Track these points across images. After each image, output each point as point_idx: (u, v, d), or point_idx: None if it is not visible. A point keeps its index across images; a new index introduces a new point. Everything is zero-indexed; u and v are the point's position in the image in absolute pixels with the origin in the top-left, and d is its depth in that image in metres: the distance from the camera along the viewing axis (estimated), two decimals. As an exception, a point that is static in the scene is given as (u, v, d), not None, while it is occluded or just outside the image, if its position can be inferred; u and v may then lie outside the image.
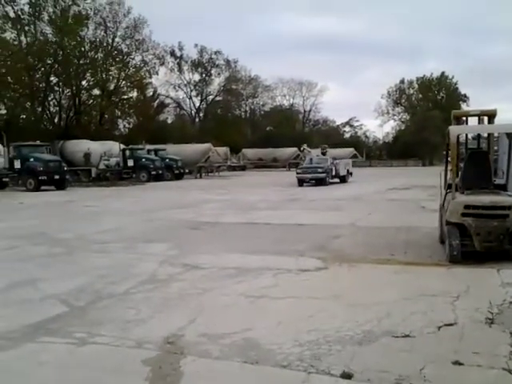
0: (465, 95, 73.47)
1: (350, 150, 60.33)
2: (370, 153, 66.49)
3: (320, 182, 24.69)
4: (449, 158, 7.54)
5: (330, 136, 69.59)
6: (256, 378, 3.38)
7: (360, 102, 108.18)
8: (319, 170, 25.08)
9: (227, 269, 6.57)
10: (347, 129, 78.67)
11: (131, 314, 4.81)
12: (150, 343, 4.00)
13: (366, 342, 3.89)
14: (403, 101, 76.83)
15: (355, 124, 77.61)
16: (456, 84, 73.45)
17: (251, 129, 69.15)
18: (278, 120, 68.02)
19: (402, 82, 76.10)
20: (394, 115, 76.78)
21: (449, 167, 7.52)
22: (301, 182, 25.17)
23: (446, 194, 7.30)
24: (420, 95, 75.86)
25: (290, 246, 8.17)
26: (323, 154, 29.37)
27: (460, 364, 3.44)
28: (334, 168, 26.29)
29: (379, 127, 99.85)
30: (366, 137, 78.15)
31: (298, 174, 25.93)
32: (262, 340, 3.99)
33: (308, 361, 3.55)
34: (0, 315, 4.83)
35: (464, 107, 63.89)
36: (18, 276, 6.41)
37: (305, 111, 76.88)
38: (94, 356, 3.81)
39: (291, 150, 53.48)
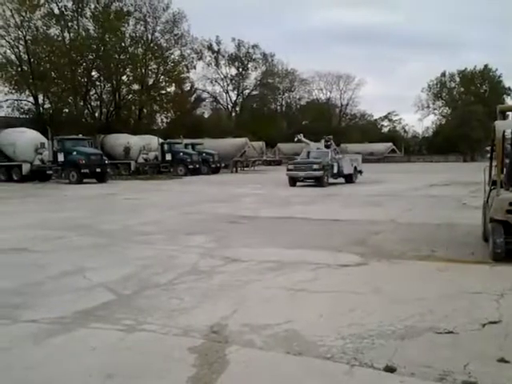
0: (509, 88, 71.08)
1: (388, 145, 59.48)
2: (408, 148, 65.25)
3: (317, 182, 20.76)
4: (494, 154, 7.38)
5: (367, 130, 68.70)
6: (300, 369, 3.45)
7: (399, 96, 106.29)
8: (315, 166, 20.48)
9: (267, 262, 6.65)
10: (385, 123, 77.43)
11: (175, 303, 4.96)
12: (195, 331, 4.13)
13: (409, 337, 3.90)
14: (444, 94, 74.93)
15: (394, 118, 76.28)
16: (500, 77, 71.16)
17: (287, 123, 68.91)
18: (314, 114, 67.51)
19: (443, 74, 74.22)
20: (435, 109, 75.06)
21: (493, 163, 7.35)
22: (293, 182, 21.04)
23: (491, 190, 7.16)
24: (462, 88, 73.81)
25: (328, 240, 8.19)
26: (327, 146, 24.76)
27: (505, 362, 3.42)
28: (336, 164, 21.89)
29: (419, 121, 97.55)
30: (405, 131, 76.72)
31: (288, 170, 21.43)
32: (304, 332, 4.06)
33: (351, 353, 3.60)
34: (53, 302, 5.08)
35: (508, 101, 61.86)
36: (67, 265, 6.69)
37: (342, 105, 76.06)
38: (142, 342, 3.97)
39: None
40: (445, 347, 3.71)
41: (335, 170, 21.88)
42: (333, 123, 70.82)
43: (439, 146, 62.60)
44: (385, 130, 75.90)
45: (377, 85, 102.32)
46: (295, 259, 6.79)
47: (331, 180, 21.88)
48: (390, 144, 59.96)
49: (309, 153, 22.83)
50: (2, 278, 6.09)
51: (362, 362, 3.48)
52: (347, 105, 75.94)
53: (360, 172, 24.34)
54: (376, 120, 77.27)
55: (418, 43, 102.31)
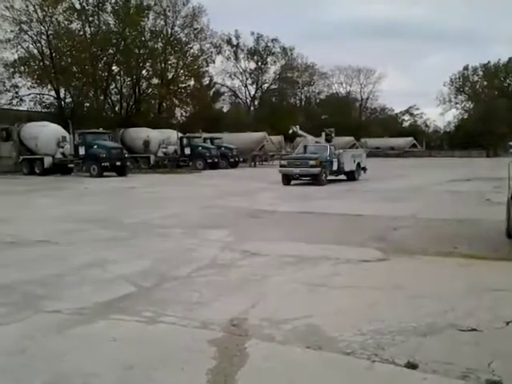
0: (534, 82, 69.44)
1: (409, 140, 58.82)
2: (430, 143, 64.38)
3: (313, 180, 18.75)
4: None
5: (387, 125, 67.99)
6: (320, 363, 3.44)
7: (420, 90, 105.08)
8: (311, 162, 18.33)
9: (286, 257, 6.64)
10: (406, 117, 76.55)
11: (195, 296, 4.98)
12: (215, 324, 4.14)
13: (431, 334, 3.85)
14: (467, 88, 73.64)
15: (415, 112, 75.34)
16: (525, 71, 69.49)
17: (306, 117, 68.54)
18: (333, 108, 67.02)
19: (466, 68, 72.92)
20: (457, 103, 73.83)
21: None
22: (287, 179, 18.98)
23: (515, 186, 7.01)
24: (485, 82, 72.39)
25: (348, 236, 8.14)
26: (327, 140, 22.12)
27: (531, 361, 3.35)
28: (336, 160, 19.75)
29: (440, 116, 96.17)
30: (426, 126, 75.74)
31: (281, 166, 19.29)
32: (324, 327, 4.04)
33: (371, 349, 3.57)
34: (75, 293, 5.15)
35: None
36: (88, 257, 6.78)
37: (362, 99, 75.38)
38: (163, 334, 4.00)
39: (347, 139, 52.70)
40: (468, 345, 3.65)
41: (335, 167, 19.75)
42: (353, 117, 70.22)
43: (461, 140, 61.59)
44: (405, 124, 75.08)
45: (398, 79, 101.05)
46: (315, 254, 6.76)
47: (331, 177, 20.20)
48: (411, 139, 59.27)
49: (306, 147, 20.96)
50: (26, 269, 6.20)
51: (383, 357, 3.44)
52: (367, 99, 75.28)
53: (364, 169, 22.15)
54: (397, 114, 76.43)
55: (440, 36, 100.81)
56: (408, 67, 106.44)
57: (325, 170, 18.68)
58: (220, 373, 3.27)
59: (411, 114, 75.74)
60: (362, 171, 21.93)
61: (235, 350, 3.63)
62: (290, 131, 25.29)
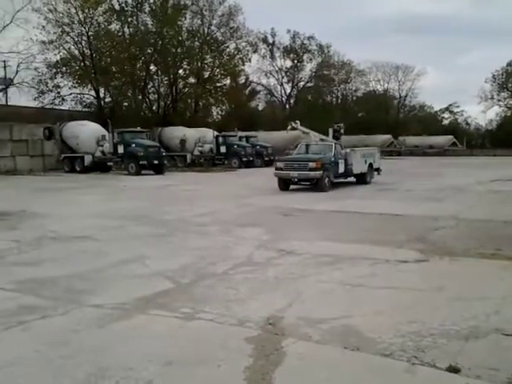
0: None
1: (449, 138, 57.29)
2: (470, 141, 62.52)
3: (314, 186, 15.91)
4: None
5: (426, 123, 66.45)
6: (358, 364, 3.40)
7: (461, 87, 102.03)
8: (311, 164, 15.48)
9: (322, 256, 6.59)
10: (446, 115, 74.39)
11: (232, 293, 5.01)
12: (252, 322, 4.15)
13: (473, 338, 3.74)
14: (510, 85, 71.04)
15: (455, 110, 73.18)
16: None
17: (342, 115, 67.80)
18: (370, 106, 66.00)
19: (510, 64, 70.25)
20: (500, 100, 71.16)
21: None
22: (284, 184, 16.29)
23: None
24: (530, 78, 69.66)
25: (386, 236, 8.00)
26: (336, 137, 19.11)
27: None
28: (342, 162, 17.00)
29: (482, 113, 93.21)
30: (467, 124, 73.46)
31: (276, 169, 16.42)
32: (362, 328, 3.99)
33: (411, 352, 3.50)
34: (115, 288, 5.27)
35: None
36: (127, 253, 6.92)
37: (400, 96, 73.76)
38: (200, 331, 4.05)
39: (384, 137, 51.87)
40: (513, 350, 3.53)
41: (341, 169, 16.94)
42: (390, 115, 68.97)
43: (504, 139, 59.44)
44: (445, 122, 73.01)
45: (437, 75, 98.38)
46: (352, 254, 6.68)
47: (340, 180, 17.59)
48: (451, 137, 57.66)
49: (307, 146, 17.89)
50: (68, 263, 6.39)
51: (424, 360, 3.37)
52: (406, 96, 73.58)
53: (377, 170, 19.48)
54: (436, 112, 74.50)
55: (482, 31, 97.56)
56: (448, 63, 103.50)
57: (328, 174, 15.95)
58: (257, 371, 3.27)
59: (451, 112, 73.65)
60: (376, 173, 19.36)
61: (272, 348, 3.63)
62: (289, 127, 21.62)
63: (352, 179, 18.25)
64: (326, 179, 15.85)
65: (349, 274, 5.69)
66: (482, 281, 5.38)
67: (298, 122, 21.41)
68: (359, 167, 17.98)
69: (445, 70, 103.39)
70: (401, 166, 32.25)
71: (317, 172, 15.49)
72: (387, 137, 52.04)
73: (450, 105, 72.89)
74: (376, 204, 12.30)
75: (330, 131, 19.71)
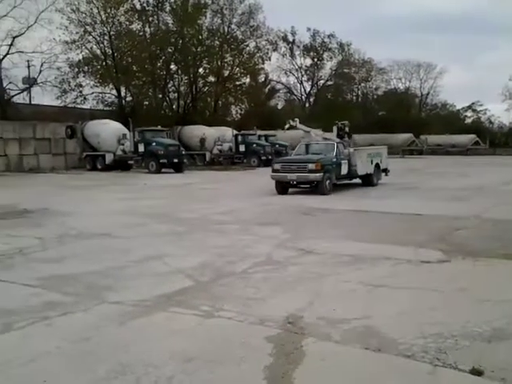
0: None
1: (472, 137, 56.32)
2: (494, 140, 61.35)
3: (314, 188, 14.67)
4: None
5: (449, 121, 65.44)
6: (379, 365, 3.36)
7: (484, 85, 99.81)
8: (310, 166, 14.27)
9: (343, 256, 6.54)
10: (469, 114, 73.16)
11: (251, 292, 5.01)
12: (271, 321, 4.14)
13: (497, 340, 3.67)
14: (535, 83, 69.51)
15: (478, 109, 71.90)
16: None
17: (363, 113, 67.22)
18: (391, 104, 65.29)
19: (535, 61, 68.80)
20: (524, 99, 69.78)
21: None
22: (282, 187, 14.98)
23: None
24: (555, 76, 68.04)
25: (407, 235, 7.90)
26: (340, 136, 17.65)
27: None
28: (345, 162, 15.64)
29: (506, 112, 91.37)
30: (491, 122, 72.08)
31: (273, 172, 15.10)
32: (383, 328, 3.94)
33: (433, 353, 3.45)
34: (135, 285, 5.32)
35: None
36: (148, 251, 6.99)
37: (422, 95, 72.82)
38: (219, 329, 4.05)
39: (405, 136, 51.24)
40: (539, 353, 3.45)
41: (344, 170, 15.62)
42: (412, 114, 68.13)
43: (529, 138, 58.33)
44: (468, 121, 71.81)
45: (460, 73, 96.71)
46: (373, 254, 6.61)
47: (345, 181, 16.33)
48: (474, 136, 56.67)
49: (308, 146, 16.56)
50: (89, 260, 6.47)
51: (446, 362, 3.32)
52: (428, 94, 72.61)
53: (385, 171, 18.11)
54: (459, 110, 73.33)
55: (507, 29, 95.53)
56: (471, 61, 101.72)
57: (329, 175, 14.72)
58: (277, 370, 3.27)
59: (474, 110, 72.41)
60: (383, 174, 17.97)
61: (292, 347, 3.61)
62: (287, 126, 20.42)
63: (358, 180, 16.96)
64: (327, 181, 14.62)
65: (369, 273, 5.64)
66: (506, 282, 5.28)
67: (296, 119, 19.97)
68: (364, 168, 16.60)
69: (468, 68, 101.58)
70: (422, 165, 31.85)
71: (317, 174, 14.26)
72: (408, 136, 51.39)
73: (473, 103, 71.67)
74: (396, 203, 12.16)
75: (334, 129, 18.05)
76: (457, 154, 49.94)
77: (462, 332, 3.83)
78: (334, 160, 15.27)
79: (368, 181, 16.95)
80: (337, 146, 15.77)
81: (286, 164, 15.05)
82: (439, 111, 73.20)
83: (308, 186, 14.92)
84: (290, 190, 15.20)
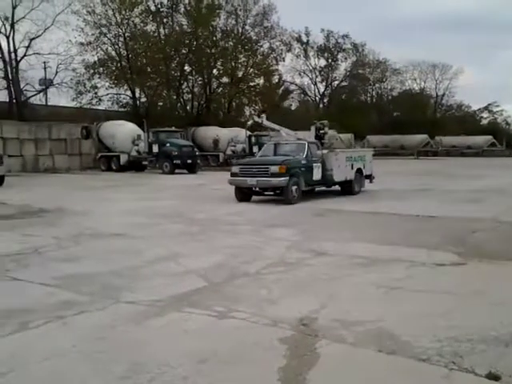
0: None
1: (488, 138, 55.72)
2: (510, 141, 60.57)
3: (280, 195, 12.72)
4: None
5: (464, 122, 64.79)
6: (393, 368, 3.34)
7: (501, 86, 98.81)
8: (273, 169, 12.30)
9: (356, 257, 6.51)
10: (485, 115, 72.39)
11: (264, 293, 5.01)
12: (285, 323, 4.13)
13: (514, 345, 3.62)
14: (553, 83, 68.46)
15: (494, 109, 71.09)
16: None
17: (377, 114, 66.85)
18: (406, 105, 64.81)
19: (553, 61, 67.76)
20: (542, 99, 68.77)
21: None
22: (242, 194, 13.22)
23: None
24: None
25: (421, 237, 7.83)
26: (319, 137, 15.51)
27: None
28: (318, 166, 13.53)
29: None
30: (507, 124, 71.29)
31: (232, 176, 13.38)
32: (397, 331, 3.91)
33: (448, 357, 3.41)
34: (149, 285, 5.35)
35: None
36: (162, 251, 7.03)
37: (437, 96, 72.17)
38: (233, 329, 4.06)
39: (420, 137, 50.85)
40: (557, 358, 3.39)
41: (316, 175, 13.49)
42: (427, 115, 67.53)
43: (546, 139, 57.45)
44: (484, 122, 71.08)
45: (476, 74, 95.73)
46: (386, 256, 6.57)
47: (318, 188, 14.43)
48: (490, 137, 56.02)
49: (276, 146, 14.40)
50: (104, 260, 6.53)
51: (462, 366, 3.28)
52: (443, 95, 71.94)
53: (369, 178, 15.83)
54: (475, 111, 72.60)
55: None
56: (487, 62, 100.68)
57: (296, 181, 12.63)
58: (291, 371, 3.26)
59: (490, 111, 71.61)
60: (367, 181, 15.72)
61: (306, 349, 3.60)
62: (250, 122, 17.53)
63: (337, 187, 14.84)
64: (294, 188, 12.51)
65: (383, 276, 5.60)
66: (524, 286, 5.21)
67: (263, 115, 17.68)
68: (342, 173, 14.27)
69: (484, 68, 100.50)
70: (437, 166, 31.58)
71: (281, 178, 12.19)
72: (423, 137, 51.01)
73: (490, 104, 70.90)
74: (410, 205, 12.05)
75: (312, 129, 15.94)
76: (472, 156, 49.41)
77: (478, 336, 3.78)
78: (304, 162, 13.17)
79: (348, 188, 14.66)
80: (308, 147, 13.57)
81: (246, 166, 13.21)
82: (455, 112, 72.50)
83: (272, 192, 12.94)
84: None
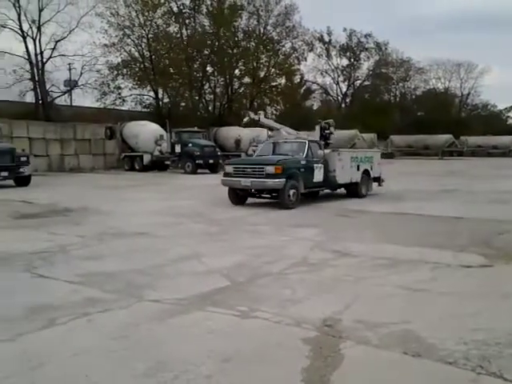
0: None
1: (514, 138, 54.61)
2: (537, 141, 59.18)
3: (276, 198, 11.88)
4: None
5: (490, 122, 63.59)
6: (419, 371, 3.29)
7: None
8: (269, 169, 11.44)
9: (380, 259, 6.44)
10: (511, 114, 70.93)
11: (287, 293, 4.99)
12: (308, 323, 4.11)
13: (544, 349, 3.53)
14: None
15: (521, 109, 69.58)
16: None
17: (400, 114, 66.08)
18: (430, 105, 63.89)
19: None
20: None
21: None
22: (235, 196, 12.58)
23: None
24: None
25: (447, 239, 7.70)
26: (325, 137, 15.04)
27: None
28: (320, 167, 12.70)
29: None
30: (535, 123, 69.70)
31: (225, 176, 12.68)
32: (423, 333, 3.85)
33: (475, 361, 3.35)
34: (173, 284, 5.39)
35: None
36: (184, 250, 7.07)
37: (462, 95, 71.00)
38: (256, 329, 4.05)
39: (445, 137, 50.07)
40: None
41: (318, 177, 12.63)
42: (451, 114, 66.48)
43: None
44: (511, 121, 69.63)
45: (503, 73, 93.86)
46: (411, 257, 6.48)
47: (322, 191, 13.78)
48: (516, 137, 54.90)
49: (275, 145, 13.57)
50: (128, 259, 6.60)
51: (490, 370, 3.21)
52: (468, 95, 70.75)
53: (378, 180, 14.94)
54: (501, 111, 71.25)
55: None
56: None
57: (294, 183, 11.71)
58: (315, 372, 3.24)
59: (517, 111, 70.18)
60: (376, 183, 14.86)
61: (330, 350, 3.58)
62: (246, 119, 17.12)
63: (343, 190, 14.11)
64: (292, 191, 11.59)
65: (408, 277, 5.52)
66: (554, 289, 5.07)
67: (261, 112, 16.68)
68: (347, 175, 13.48)
69: (510, 67, 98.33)
70: (462, 166, 31.04)
71: (276, 180, 11.33)
72: (448, 136, 50.21)
73: (516, 103, 69.33)
74: (435, 206, 11.87)
75: (317, 129, 15.34)
76: (498, 156, 48.44)
77: (506, 340, 3.70)
78: (303, 163, 12.25)
79: (354, 191, 13.87)
80: (308, 146, 12.62)
81: (240, 166, 12.33)
82: (480, 112, 71.21)
83: (269, 194, 12.20)
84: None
